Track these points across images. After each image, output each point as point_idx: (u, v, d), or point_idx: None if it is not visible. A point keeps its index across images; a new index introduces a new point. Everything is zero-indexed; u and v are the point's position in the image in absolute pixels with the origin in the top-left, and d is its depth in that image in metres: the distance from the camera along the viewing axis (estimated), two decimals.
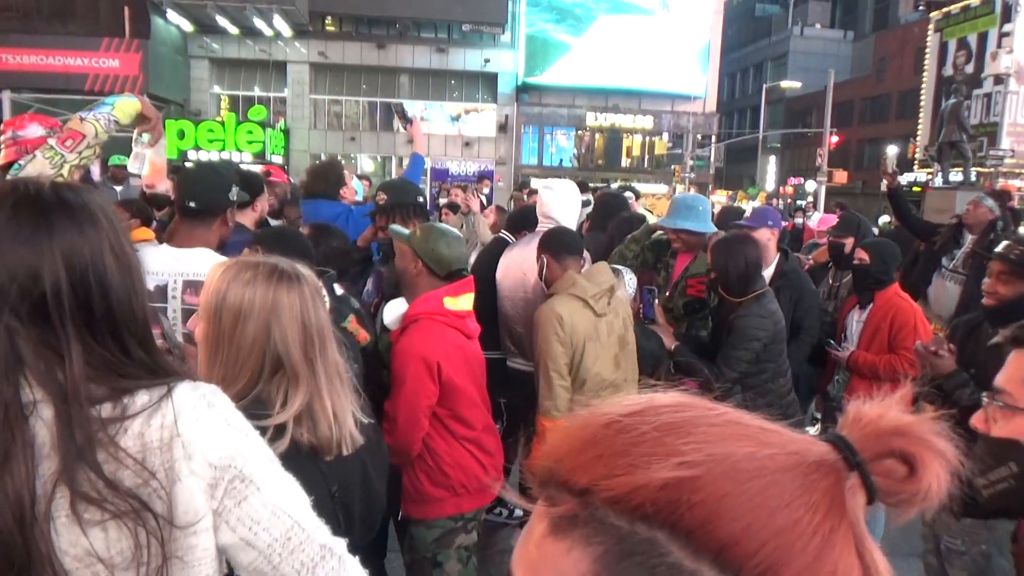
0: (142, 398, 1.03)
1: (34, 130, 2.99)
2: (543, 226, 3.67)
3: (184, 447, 1.02)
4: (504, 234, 4.28)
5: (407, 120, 5.09)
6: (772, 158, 41.83)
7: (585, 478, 0.47)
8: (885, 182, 5.81)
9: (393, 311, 2.64)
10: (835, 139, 28.18)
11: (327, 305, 1.73)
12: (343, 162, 4.74)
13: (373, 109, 29.08)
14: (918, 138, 30.53)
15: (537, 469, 0.51)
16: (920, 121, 30.66)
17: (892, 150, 9.09)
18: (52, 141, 2.31)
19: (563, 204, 3.75)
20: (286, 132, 22.70)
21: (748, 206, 14.46)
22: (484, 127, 29.08)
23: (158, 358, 1.09)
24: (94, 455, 0.96)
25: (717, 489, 0.44)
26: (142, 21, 21.42)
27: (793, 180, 37.54)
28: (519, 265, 3.73)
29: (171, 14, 23.12)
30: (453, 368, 2.51)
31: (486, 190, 10.94)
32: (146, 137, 2.46)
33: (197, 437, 1.04)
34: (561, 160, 30.82)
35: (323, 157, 25.23)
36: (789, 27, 44.00)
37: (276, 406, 1.55)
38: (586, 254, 3.46)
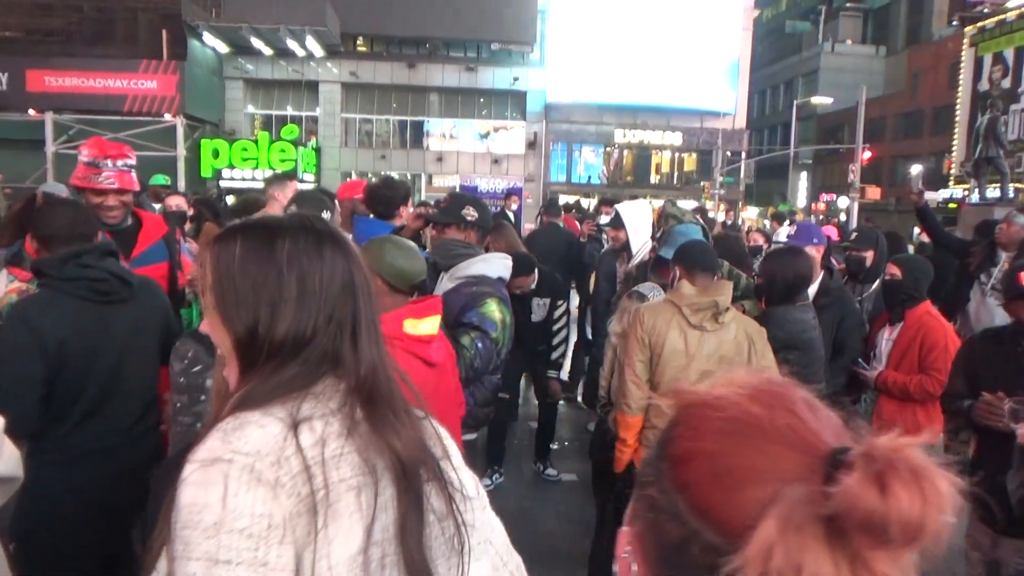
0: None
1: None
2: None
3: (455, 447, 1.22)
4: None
5: None
6: (803, 174, 41.42)
7: None
8: (914, 201, 5.76)
9: None
10: (868, 155, 27.84)
11: None
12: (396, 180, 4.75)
13: (403, 127, 29.42)
14: (953, 154, 30.04)
15: None
16: (955, 137, 30.18)
17: (916, 169, 8.92)
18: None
19: (640, 220, 4.21)
20: (318, 150, 23.04)
21: (782, 230, 14.32)
22: (513, 144, 29.24)
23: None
24: (417, 421, 1.15)
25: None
26: (179, 44, 21.96)
27: (825, 196, 37.11)
28: None
29: (207, 36, 23.67)
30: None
31: (514, 206, 10.97)
32: None
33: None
34: (590, 177, 30.84)
35: (353, 175, 25.57)
36: (820, 43, 43.67)
37: None
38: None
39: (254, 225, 1.12)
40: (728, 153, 30.45)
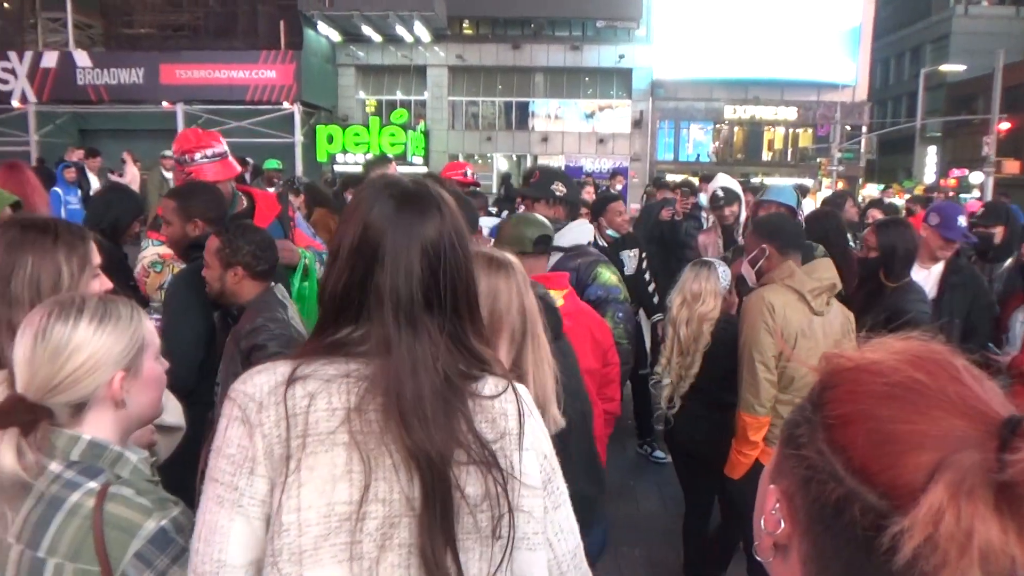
0: (491, 382, 1.18)
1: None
2: None
3: (534, 428, 1.20)
4: None
5: None
6: (931, 148, 38.74)
7: None
8: None
9: None
10: (1005, 126, 25.76)
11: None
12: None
13: (508, 109, 29.58)
14: None
15: None
16: None
17: None
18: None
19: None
20: (426, 133, 23.51)
21: (902, 200, 13.47)
22: (618, 123, 28.85)
23: (487, 346, 1.23)
24: (466, 407, 1.13)
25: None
26: (296, 34, 22.88)
27: (956, 172, 34.63)
28: None
29: (321, 26, 24.55)
30: None
31: (619, 186, 10.87)
32: None
33: (540, 425, 1.23)
34: (698, 155, 30.03)
35: (460, 157, 25.96)
36: (952, 5, 40.55)
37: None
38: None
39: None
40: (847, 127, 28.91)
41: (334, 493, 1.04)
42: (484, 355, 1.19)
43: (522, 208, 3.72)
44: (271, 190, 8.19)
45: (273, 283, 2.64)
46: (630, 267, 4.95)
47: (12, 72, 20.94)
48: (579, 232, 3.35)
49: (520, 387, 1.23)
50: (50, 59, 21.10)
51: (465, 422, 1.11)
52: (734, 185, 5.09)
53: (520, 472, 1.14)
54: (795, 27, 26.81)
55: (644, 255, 5.13)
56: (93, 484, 1.25)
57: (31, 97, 20.87)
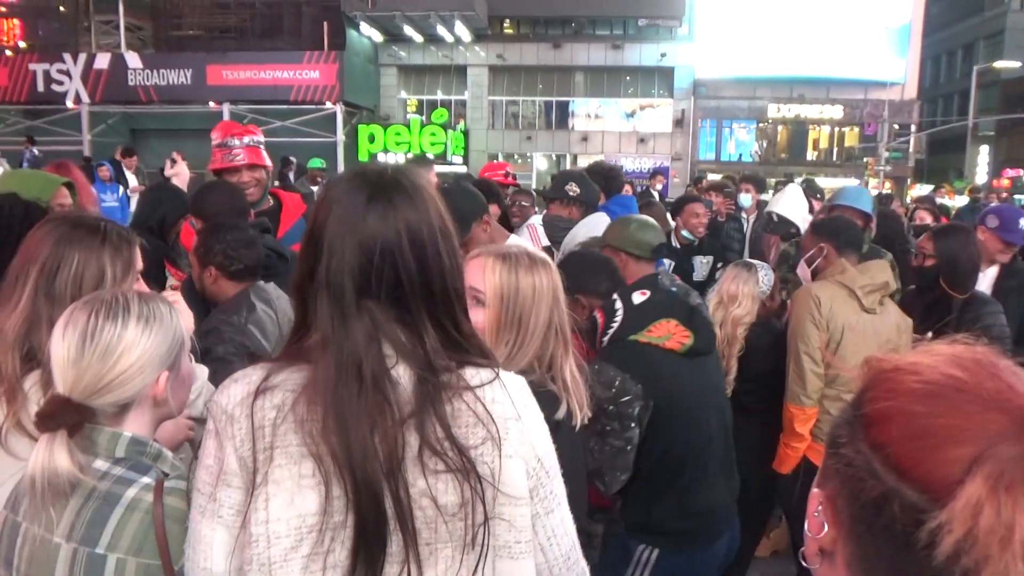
0: (473, 374, 1.12)
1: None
2: None
3: (522, 432, 1.12)
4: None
5: None
6: (984, 148, 37.61)
7: None
8: None
9: None
10: None
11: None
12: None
13: (548, 108, 29.53)
14: None
15: None
16: None
17: None
18: None
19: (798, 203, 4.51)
20: (466, 133, 23.60)
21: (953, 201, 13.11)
22: (659, 123, 28.60)
23: (473, 338, 1.17)
24: (443, 410, 1.07)
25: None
26: (339, 34, 23.16)
27: (1010, 171, 33.56)
28: None
29: (364, 26, 24.83)
30: None
31: (659, 186, 10.79)
32: None
33: (532, 427, 1.15)
34: (740, 155, 29.60)
35: (500, 157, 26.01)
36: (1006, 1, 39.34)
37: (558, 382, 1.68)
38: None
39: None
40: (896, 126, 28.23)
41: (303, 504, 1.02)
42: (468, 344, 1.14)
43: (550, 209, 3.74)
44: (315, 189, 8.32)
45: (263, 281, 2.59)
46: (700, 273, 4.83)
47: (67, 73, 21.60)
48: (592, 226, 3.36)
49: (511, 378, 1.16)
50: (103, 61, 21.70)
51: (440, 425, 1.05)
52: (795, 209, 4.87)
53: (499, 481, 1.08)
54: (842, 25, 26.26)
55: (719, 264, 5.00)
56: (147, 479, 1.25)
57: (84, 98, 21.49)
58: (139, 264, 1.67)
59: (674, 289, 2.35)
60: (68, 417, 1.22)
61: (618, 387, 2.14)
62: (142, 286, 1.67)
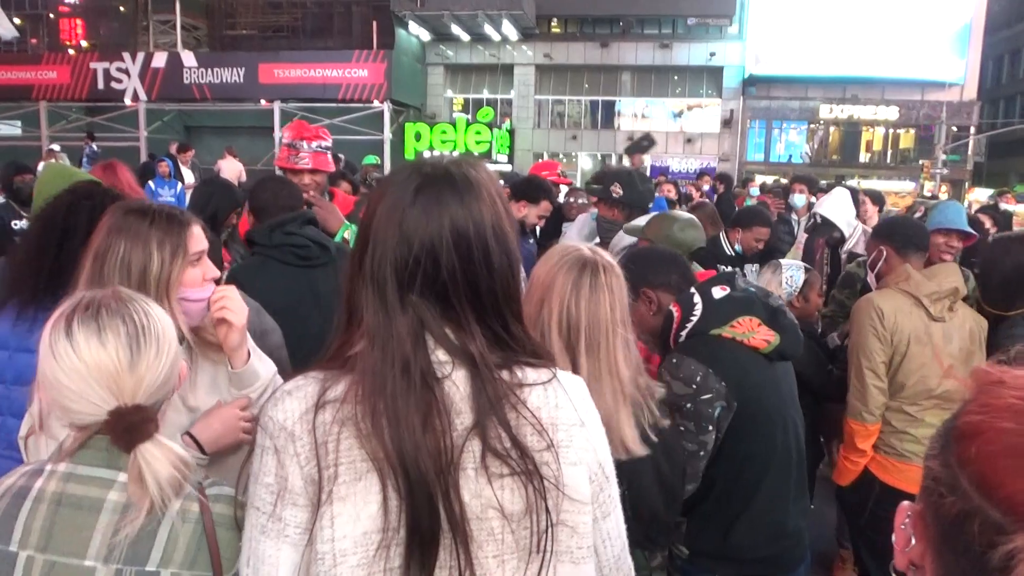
0: (531, 373, 1.08)
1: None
2: None
3: (587, 439, 1.09)
4: None
5: None
6: None
7: None
8: None
9: None
10: None
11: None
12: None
13: (594, 108, 29.41)
14: None
15: None
16: None
17: None
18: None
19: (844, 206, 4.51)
20: (511, 132, 23.65)
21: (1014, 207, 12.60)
22: (707, 123, 28.26)
23: (529, 337, 1.12)
24: (503, 412, 1.03)
25: None
26: (387, 33, 23.43)
27: None
28: None
29: (412, 25, 25.06)
30: None
31: (706, 187, 10.65)
32: None
33: (594, 433, 1.12)
34: (791, 156, 29.07)
35: (545, 156, 25.98)
36: None
37: None
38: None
39: None
40: (954, 128, 27.40)
41: (368, 520, 1.00)
42: (517, 345, 1.09)
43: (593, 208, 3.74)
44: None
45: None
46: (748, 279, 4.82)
47: (126, 72, 22.29)
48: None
49: (570, 379, 1.13)
50: (159, 59, 22.34)
51: (503, 430, 1.02)
52: (839, 211, 4.74)
53: (564, 485, 1.05)
54: (898, 24, 25.60)
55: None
56: (187, 487, 1.17)
57: (142, 95, 22.14)
58: (195, 246, 1.62)
59: (752, 289, 2.16)
60: (151, 424, 1.16)
61: (699, 383, 1.96)
62: (209, 267, 1.65)
